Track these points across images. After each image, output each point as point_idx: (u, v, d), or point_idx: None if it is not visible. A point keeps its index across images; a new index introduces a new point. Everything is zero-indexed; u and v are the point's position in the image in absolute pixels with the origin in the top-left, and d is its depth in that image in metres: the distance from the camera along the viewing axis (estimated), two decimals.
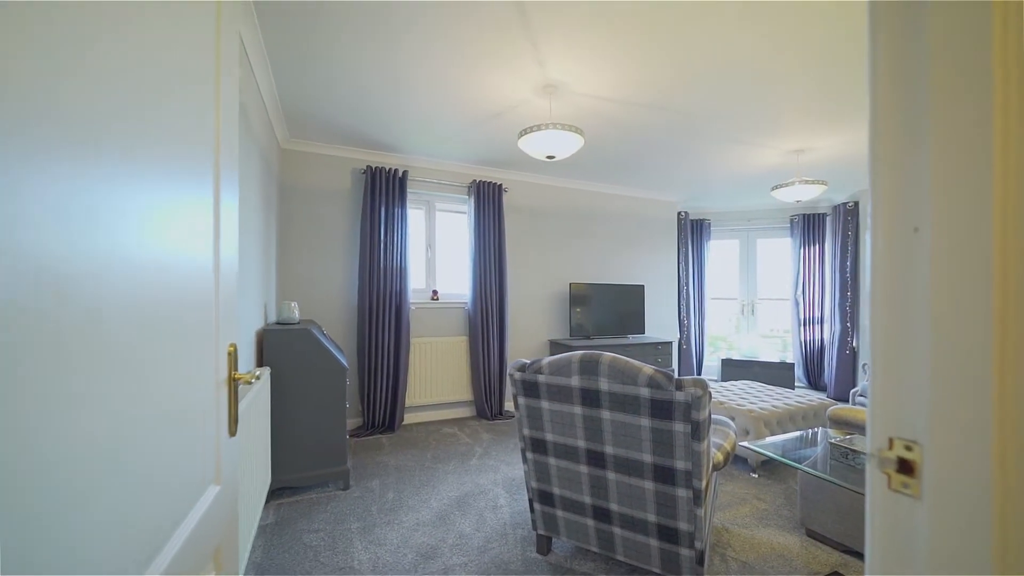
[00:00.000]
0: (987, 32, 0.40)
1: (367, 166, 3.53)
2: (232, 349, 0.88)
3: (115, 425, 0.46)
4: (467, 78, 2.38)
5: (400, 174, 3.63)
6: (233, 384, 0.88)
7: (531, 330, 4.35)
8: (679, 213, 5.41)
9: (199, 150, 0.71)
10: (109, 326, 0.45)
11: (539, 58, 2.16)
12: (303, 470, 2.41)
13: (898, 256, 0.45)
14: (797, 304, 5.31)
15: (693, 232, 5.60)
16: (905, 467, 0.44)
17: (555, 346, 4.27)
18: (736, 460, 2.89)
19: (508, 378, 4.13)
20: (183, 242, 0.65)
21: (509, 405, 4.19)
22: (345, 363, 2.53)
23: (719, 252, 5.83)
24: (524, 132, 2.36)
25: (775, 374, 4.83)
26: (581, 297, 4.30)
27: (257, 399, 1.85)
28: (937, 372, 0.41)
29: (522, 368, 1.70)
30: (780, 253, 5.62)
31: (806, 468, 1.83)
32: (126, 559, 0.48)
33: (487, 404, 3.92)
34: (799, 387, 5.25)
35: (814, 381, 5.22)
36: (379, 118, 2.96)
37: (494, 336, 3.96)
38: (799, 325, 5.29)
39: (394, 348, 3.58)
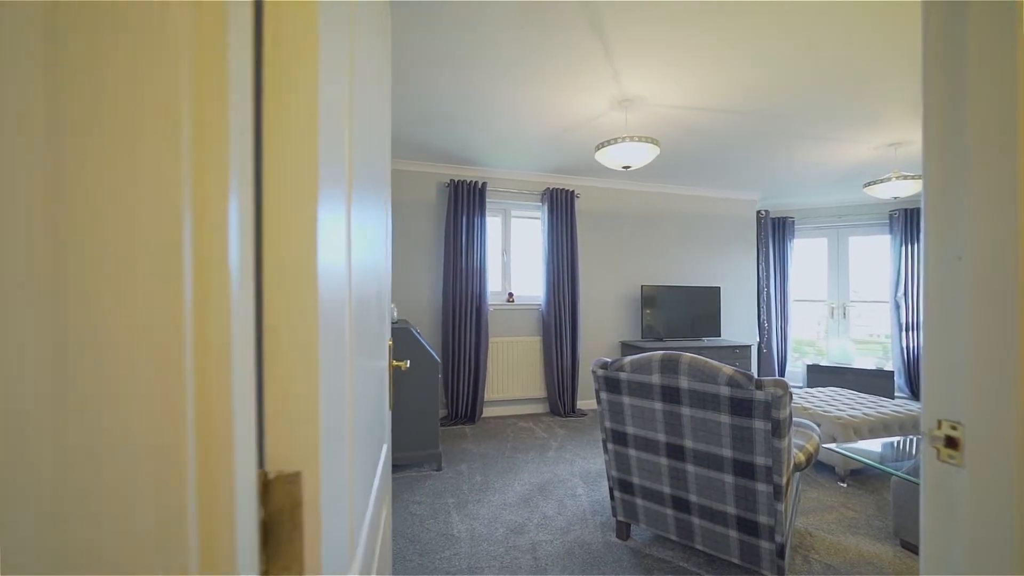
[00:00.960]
0: (1013, 86, 0.52)
1: (450, 180, 3.87)
2: (391, 343, 1.15)
3: (368, 384, 0.72)
4: (547, 98, 2.58)
5: (480, 186, 3.93)
6: (391, 370, 1.15)
7: (602, 331, 4.46)
8: (759, 212, 5.20)
9: (381, 185, 0.98)
10: (363, 313, 0.70)
11: (616, 76, 2.31)
12: (404, 450, 2.77)
13: (945, 278, 0.57)
14: (898, 307, 4.87)
15: (775, 231, 5.35)
16: (951, 443, 0.56)
17: (626, 347, 4.34)
18: (822, 468, 2.81)
19: (591, 374, 4.29)
20: (376, 255, 0.91)
21: (582, 404, 4.34)
22: (438, 358, 2.85)
23: (804, 251, 5.50)
24: (600, 146, 2.51)
25: (871, 382, 4.48)
26: (652, 299, 4.33)
27: None
28: (975, 369, 0.54)
29: (604, 366, 1.87)
30: (877, 251, 5.18)
31: (898, 472, 1.79)
32: (370, 475, 0.74)
33: (560, 401, 4.10)
34: (900, 397, 4.82)
35: (918, 391, 4.76)
36: (464, 136, 3.26)
37: (567, 337, 4.13)
38: (900, 330, 4.85)
39: (475, 346, 3.89)
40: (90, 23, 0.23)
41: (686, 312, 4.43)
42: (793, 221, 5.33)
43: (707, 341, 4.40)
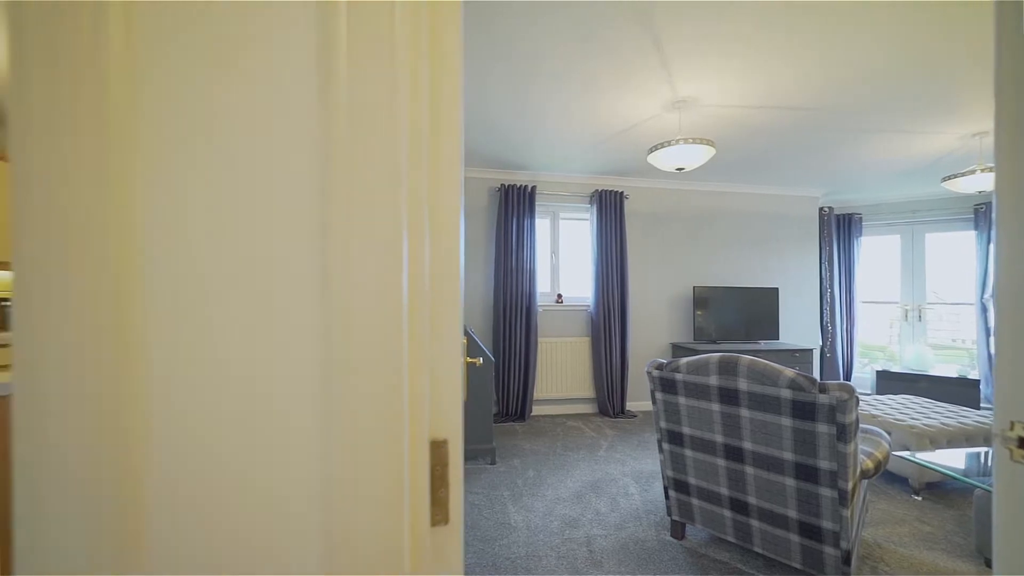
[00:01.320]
0: None
1: (501, 184, 4.00)
2: (465, 340, 1.27)
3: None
4: (599, 103, 2.64)
5: (529, 189, 4.03)
6: (465, 364, 1.27)
7: (652, 333, 4.43)
8: (822, 209, 4.94)
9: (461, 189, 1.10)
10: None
11: (670, 80, 2.32)
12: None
13: (1019, 283, 0.60)
14: (985, 309, 4.46)
15: (840, 229, 5.05)
16: None
17: (677, 349, 4.28)
18: (894, 480, 2.66)
19: (643, 375, 4.28)
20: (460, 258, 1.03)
21: (631, 405, 4.33)
22: (492, 357, 2.98)
23: (873, 250, 5.15)
24: (653, 149, 2.53)
25: (952, 391, 4.14)
26: (705, 300, 4.24)
27: None
28: None
29: (660, 366, 1.90)
30: (959, 248, 4.77)
31: (984, 484, 1.70)
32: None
33: (609, 402, 4.11)
34: (987, 408, 4.41)
35: None
36: (514, 143, 3.37)
37: (616, 338, 4.14)
38: (987, 335, 4.43)
39: (524, 346, 4.00)
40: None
41: (741, 314, 4.31)
42: (860, 218, 5.01)
43: (764, 344, 4.25)
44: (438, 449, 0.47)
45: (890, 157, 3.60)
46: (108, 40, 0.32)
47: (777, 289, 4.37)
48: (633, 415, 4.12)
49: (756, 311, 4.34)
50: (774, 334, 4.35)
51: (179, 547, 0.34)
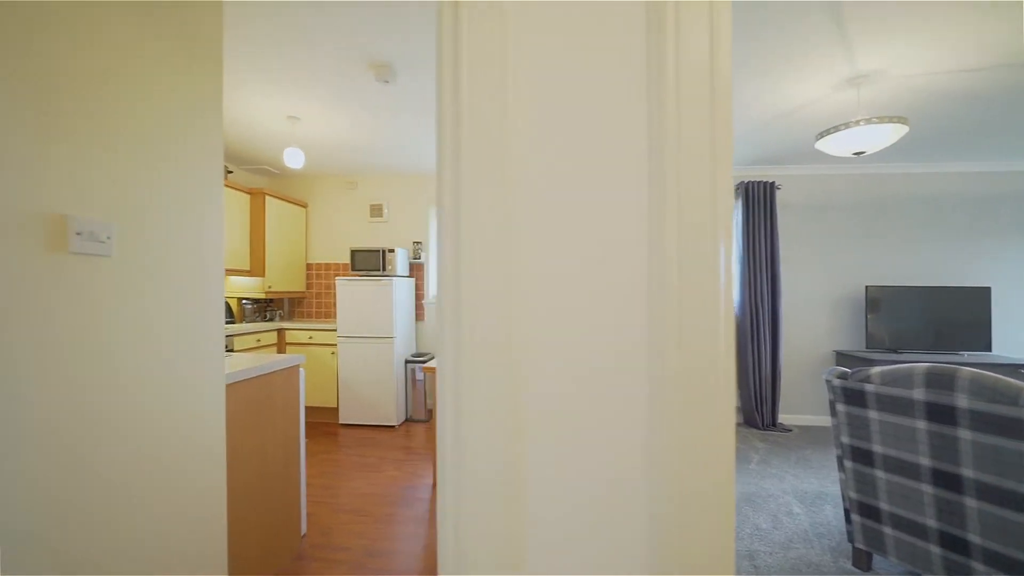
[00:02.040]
0: None
1: None
2: None
3: None
4: (755, 89, 2.46)
5: None
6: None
7: (810, 339, 3.93)
8: None
9: None
10: None
11: (850, 56, 2.07)
12: None
13: None
14: None
15: None
16: None
17: (843, 358, 3.73)
18: None
19: (794, 385, 3.87)
20: None
21: (784, 417, 3.91)
22: None
23: None
24: (825, 133, 2.27)
25: None
26: (879, 302, 3.62)
27: None
28: None
29: (843, 376, 1.72)
30: None
31: None
32: None
33: (758, 413, 3.78)
34: None
35: None
36: None
37: (765, 343, 3.78)
38: None
39: None
40: None
41: (930, 318, 3.58)
42: None
43: (968, 356, 3.47)
44: None
45: None
46: (507, 108, 0.46)
47: (988, 289, 3.52)
48: (787, 429, 3.71)
49: (954, 316, 3.56)
50: (983, 344, 3.52)
51: (549, 545, 0.46)
